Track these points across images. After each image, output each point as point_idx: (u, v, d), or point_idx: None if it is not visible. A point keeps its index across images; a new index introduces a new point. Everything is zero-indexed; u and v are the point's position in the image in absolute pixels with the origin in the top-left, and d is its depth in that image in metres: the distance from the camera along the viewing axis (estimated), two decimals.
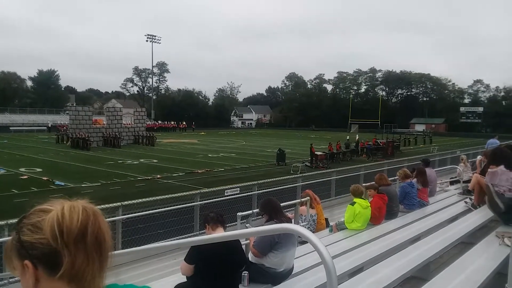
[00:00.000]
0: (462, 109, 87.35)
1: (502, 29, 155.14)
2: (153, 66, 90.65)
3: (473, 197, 6.92)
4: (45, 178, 18.81)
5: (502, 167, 5.18)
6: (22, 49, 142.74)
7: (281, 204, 4.94)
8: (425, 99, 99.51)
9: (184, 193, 8.71)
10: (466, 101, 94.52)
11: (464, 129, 77.74)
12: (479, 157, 10.46)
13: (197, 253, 3.60)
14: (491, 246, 4.27)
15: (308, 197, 7.34)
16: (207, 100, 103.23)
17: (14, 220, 4.91)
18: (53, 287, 0.93)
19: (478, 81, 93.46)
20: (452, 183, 11.64)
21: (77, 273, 0.92)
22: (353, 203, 6.39)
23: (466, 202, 7.17)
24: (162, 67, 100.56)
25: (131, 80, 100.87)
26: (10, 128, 56.72)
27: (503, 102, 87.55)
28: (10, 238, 0.99)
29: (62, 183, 17.78)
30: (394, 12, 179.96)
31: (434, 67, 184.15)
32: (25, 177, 19.37)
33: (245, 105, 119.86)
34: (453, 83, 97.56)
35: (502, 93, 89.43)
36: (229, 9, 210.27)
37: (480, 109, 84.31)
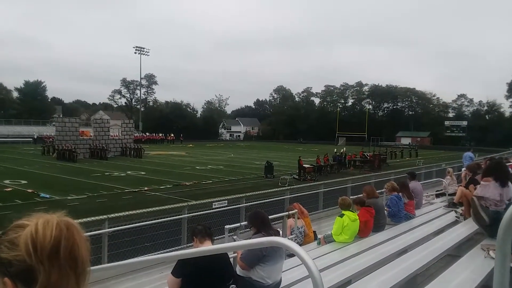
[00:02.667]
0: (446, 123, 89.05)
1: (485, 44, 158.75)
2: (141, 78, 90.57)
3: (462, 209, 6.98)
4: (30, 191, 18.45)
5: (494, 182, 5.23)
6: (8, 59, 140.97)
7: (269, 217, 4.94)
8: (410, 112, 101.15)
9: (172, 206, 8.64)
10: (451, 115, 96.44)
11: (448, 143, 79.02)
12: (463, 170, 10.59)
13: (184, 266, 3.56)
14: (476, 259, 4.31)
15: (296, 210, 7.35)
16: (195, 112, 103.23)
17: None
18: None
19: (462, 96, 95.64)
20: (438, 196, 11.76)
21: None
22: (341, 215, 6.41)
23: (457, 217, 7.20)
24: (150, 79, 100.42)
25: (119, 92, 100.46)
26: None
27: (487, 116, 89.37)
28: None
29: (47, 196, 17.44)
30: (378, 27, 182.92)
31: (419, 81, 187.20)
32: (10, 189, 18.98)
33: (234, 117, 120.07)
34: (438, 98, 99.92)
35: (486, 108, 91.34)
36: (217, 23, 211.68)
37: (464, 123, 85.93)
